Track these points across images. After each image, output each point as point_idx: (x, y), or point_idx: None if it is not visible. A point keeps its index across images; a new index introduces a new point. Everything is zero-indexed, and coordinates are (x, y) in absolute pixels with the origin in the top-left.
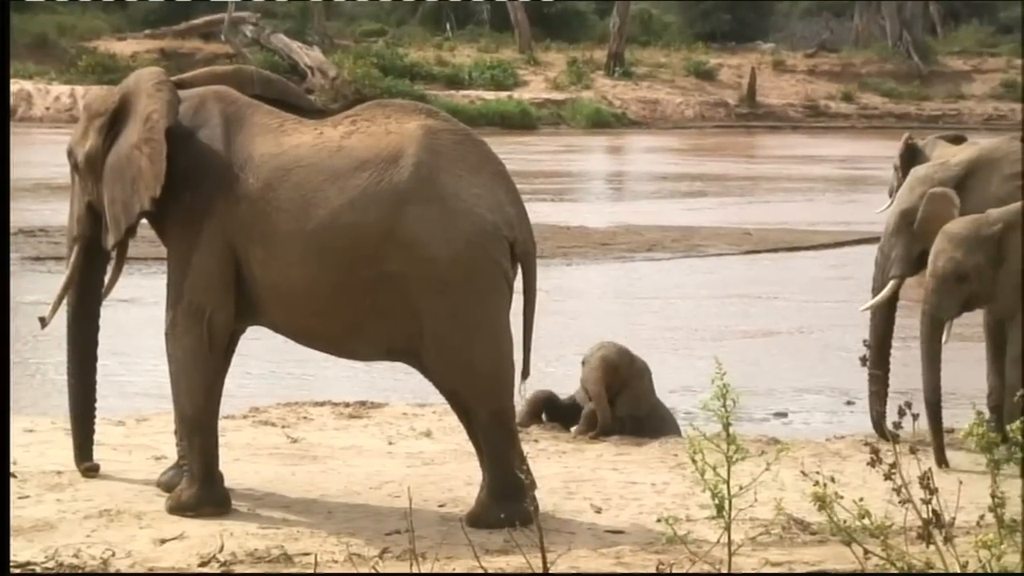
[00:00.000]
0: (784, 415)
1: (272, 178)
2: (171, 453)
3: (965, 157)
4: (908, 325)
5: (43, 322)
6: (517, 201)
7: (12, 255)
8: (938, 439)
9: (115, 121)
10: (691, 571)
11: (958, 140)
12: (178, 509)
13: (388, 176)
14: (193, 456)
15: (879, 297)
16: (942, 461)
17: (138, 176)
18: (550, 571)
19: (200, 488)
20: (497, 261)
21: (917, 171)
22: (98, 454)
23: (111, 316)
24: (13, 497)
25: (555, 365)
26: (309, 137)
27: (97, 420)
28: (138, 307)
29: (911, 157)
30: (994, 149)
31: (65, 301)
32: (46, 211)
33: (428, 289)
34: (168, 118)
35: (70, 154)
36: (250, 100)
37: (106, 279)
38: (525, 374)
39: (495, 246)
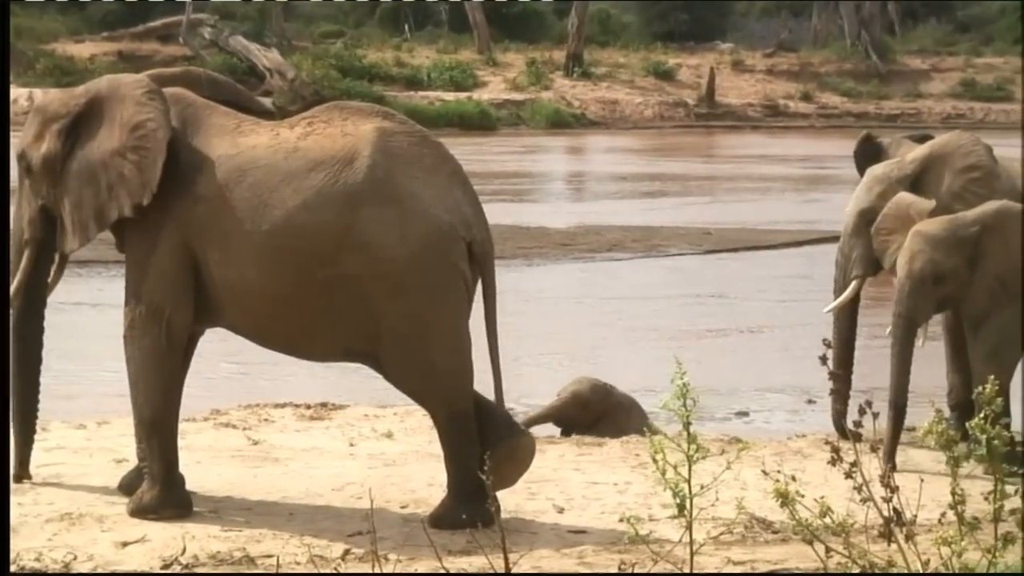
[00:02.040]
0: (745, 414)
1: (228, 179)
2: (132, 456)
3: (919, 154)
4: (867, 323)
5: None
6: (474, 202)
7: None
8: (894, 442)
9: (77, 124)
10: (653, 570)
11: (924, 140)
12: (139, 512)
13: (343, 177)
14: (153, 458)
15: (842, 298)
16: (892, 464)
17: (118, 182)
18: (512, 571)
19: (161, 490)
20: (454, 262)
21: (874, 170)
22: (59, 457)
23: (71, 319)
24: None
25: (514, 366)
26: (265, 138)
27: (58, 424)
28: (99, 310)
29: (868, 154)
30: (945, 144)
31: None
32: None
33: (385, 290)
34: (167, 128)
35: (22, 156)
36: (207, 102)
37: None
38: (497, 389)
39: (452, 247)
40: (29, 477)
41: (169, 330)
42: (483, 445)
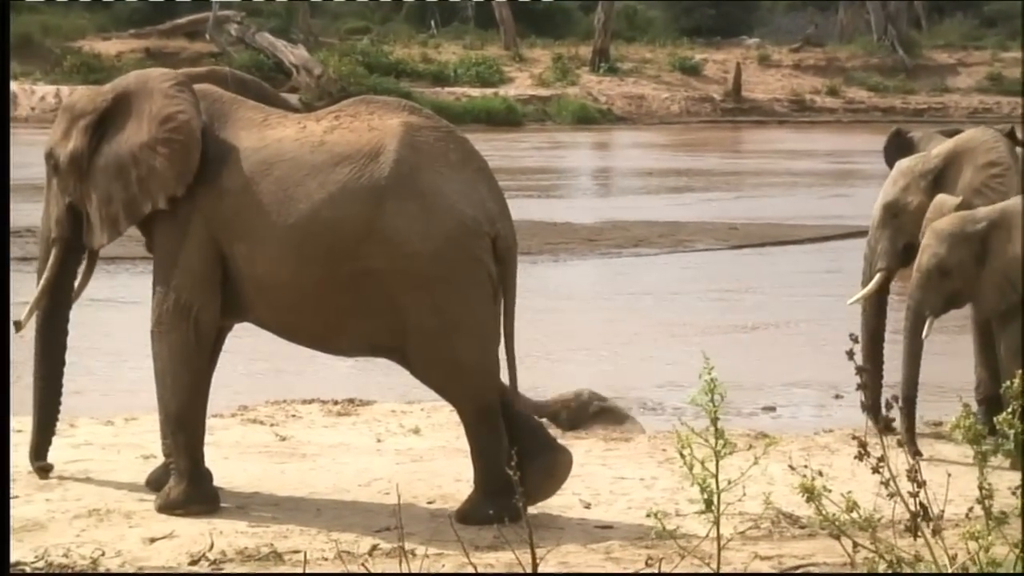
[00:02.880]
0: (772, 409)
1: (254, 172)
2: (160, 452)
3: (943, 149)
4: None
5: (18, 325)
6: (499, 197)
7: None
8: (910, 433)
9: (104, 120)
10: (680, 565)
11: (955, 135)
12: (167, 507)
13: (368, 171)
14: (178, 454)
15: (865, 290)
16: (915, 452)
17: (150, 175)
18: (539, 567)
19: (188, 486)
20: (478, 257)
21: (901, 164)
22: (87, 453)
23: (98, 316)
24: None
25: (539, 361)
26: (292, 131)
27: (86, 420)
28: (125, 306)
29: (898, 148)
30: (969, 139)
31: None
32: (32, 211)
33: (409, 285)
34: (199, 119)
35: (50, 155)
36: (234, 96)
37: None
38: (513, 384)
39: (476, 242)
40: (49, 468)
41: (197, 326)
42: (523, 458)
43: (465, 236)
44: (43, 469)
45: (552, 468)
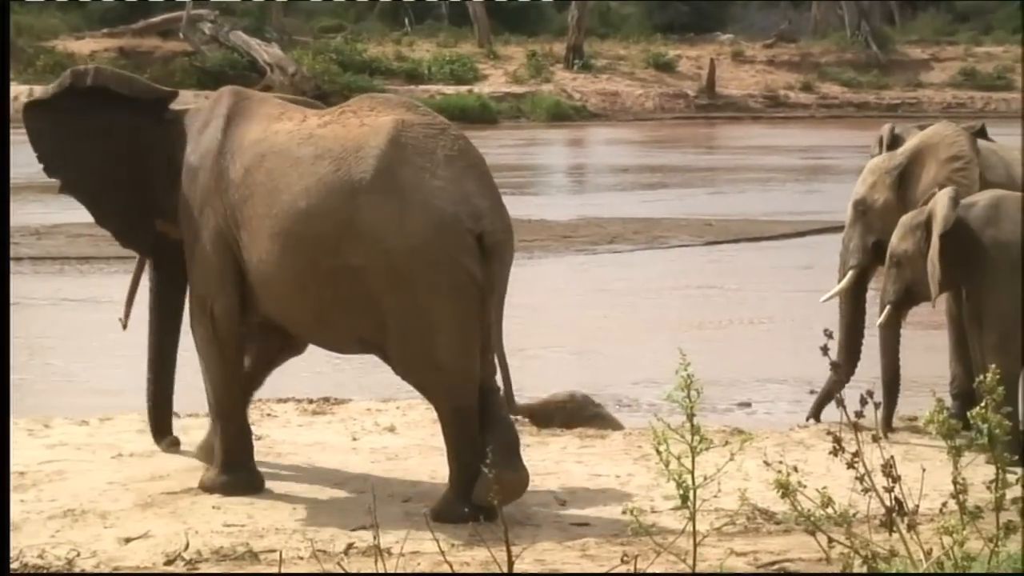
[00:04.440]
0: (748, 405)
1: (251, 164)
2: (135, 451)
3: (908, 146)
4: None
5: (123, 323)
6: (490, 194)
7: None
8: (886, 413)
9: None
10: (656, 562)
11: None
12: (205, 488)
13: (346, 166)
14: (218, 442)
15: (837, 288)
16: (885, 432)
17: None
18: (515, 565)
19: (222, 473)
20: (456, 255)
21: (870, 162)
22: (61, 454)
23: (73, 316)
24: None
25: (515, 358)
26: (290, 125)
27: (60, 420)
28: (100, 306)
29: (887, 146)
30: (932, 135)
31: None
32: (15, 211)
33: (386, 283)
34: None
35: None
36: (264, 95)
37: None
38: (507, 388)
39: (454, 240)
40: (177, 442)
41: (213, 319)
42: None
43: (442, 233)
44: (173, 444)
45: (496, 483)
